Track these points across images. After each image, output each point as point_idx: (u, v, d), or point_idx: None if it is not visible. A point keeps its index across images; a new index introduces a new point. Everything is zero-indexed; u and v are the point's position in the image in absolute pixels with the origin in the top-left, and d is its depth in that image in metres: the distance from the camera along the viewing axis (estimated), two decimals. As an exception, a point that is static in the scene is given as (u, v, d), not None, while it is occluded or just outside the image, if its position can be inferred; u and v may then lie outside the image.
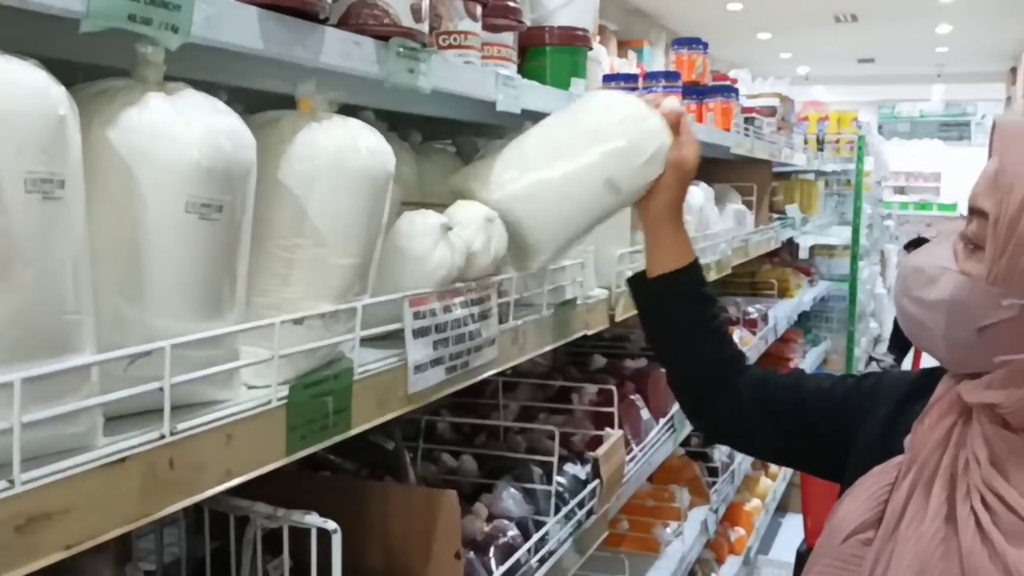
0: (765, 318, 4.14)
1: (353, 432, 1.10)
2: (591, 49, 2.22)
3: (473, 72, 1.44)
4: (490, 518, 1.64)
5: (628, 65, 4.30)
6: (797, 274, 5.67)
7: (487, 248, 1.36)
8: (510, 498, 1.68)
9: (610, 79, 3.01)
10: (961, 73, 15.87)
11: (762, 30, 12.40)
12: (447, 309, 1.29)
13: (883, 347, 9.94)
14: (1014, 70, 13.27)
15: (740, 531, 3.87)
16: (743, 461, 3.65)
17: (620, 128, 1.33)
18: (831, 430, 1.29)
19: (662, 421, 2.44)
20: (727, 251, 2.97)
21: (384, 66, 1.16)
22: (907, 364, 9.60)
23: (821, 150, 6.21)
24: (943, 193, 18.99)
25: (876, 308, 10.97)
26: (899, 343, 9.68)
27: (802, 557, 3.13)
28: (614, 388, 2.10)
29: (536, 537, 1.62)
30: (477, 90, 1.43)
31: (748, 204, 3.64)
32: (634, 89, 2.95)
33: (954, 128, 20.21)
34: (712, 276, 2.97)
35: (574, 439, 2.15)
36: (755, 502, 4.18)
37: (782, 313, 4.55)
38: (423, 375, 1.22)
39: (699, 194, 2.64)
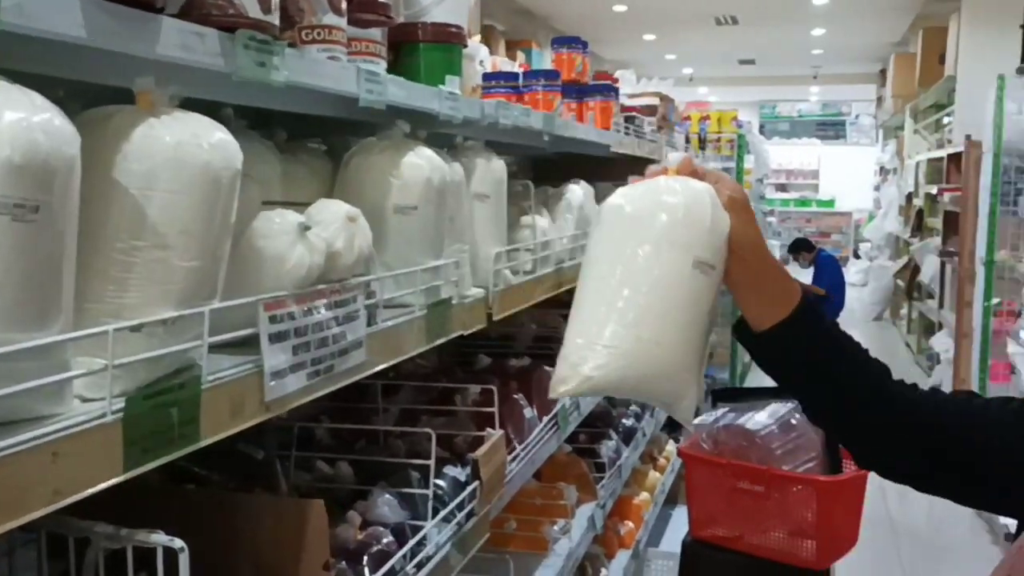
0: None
1: (203, 444, 1.05)
2: (466, 46, 2.20)
3: (333, 67, 1.39)
4: (365, 525, 1.59)
5: (513, 66, 4.30)
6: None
7: (350, 247, 1.32)
8: (385, 504, 1.64)
9: (491, 77, 2.99)
10: (836, 74, 16.61)
11: (647, 32, 12.69)
12: (308, 312, 1.24)
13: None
14: (883, 71, 13.94)
15: (629, 524, 3.92)
16: (630, 455, 3.70)
17: (667, 212, 1.13)
18: (1009, 463, 1.11)
19: (545, 419, 2.44)
20: (609, 248, 3.00)
21: (231, 59, 1.10)
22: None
23: (704, 149, 6.37)
24: (821, 190, 19.84)
25: (761, 301, 11.34)
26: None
27: (687, 548, 3.18)
28: (495, 388, 2.08)
29: (412, 542, 1.59)
30: (337, 85, 1.39)
31: (631, 202, 3.68)
32: (515, 88, 2.95)
33: (831, 127, 21.14)
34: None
35: (456, 441, 2.13)
36: (644, 495, 4.25)
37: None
38: (281, 381, 1.18)
39: (579, 192, 2.65)
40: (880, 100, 14.48)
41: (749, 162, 8.33)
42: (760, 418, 3.05)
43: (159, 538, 0.99)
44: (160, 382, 1.00)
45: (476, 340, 3.41)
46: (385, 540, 1.54)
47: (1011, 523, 1.21)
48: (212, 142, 1.03)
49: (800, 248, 10.48)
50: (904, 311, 11.62)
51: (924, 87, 10.00)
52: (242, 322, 1.17)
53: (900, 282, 11.59)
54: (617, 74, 5.90)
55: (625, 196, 1.17)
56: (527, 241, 2.23)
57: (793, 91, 19.89)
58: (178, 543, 0.98)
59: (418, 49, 2.04)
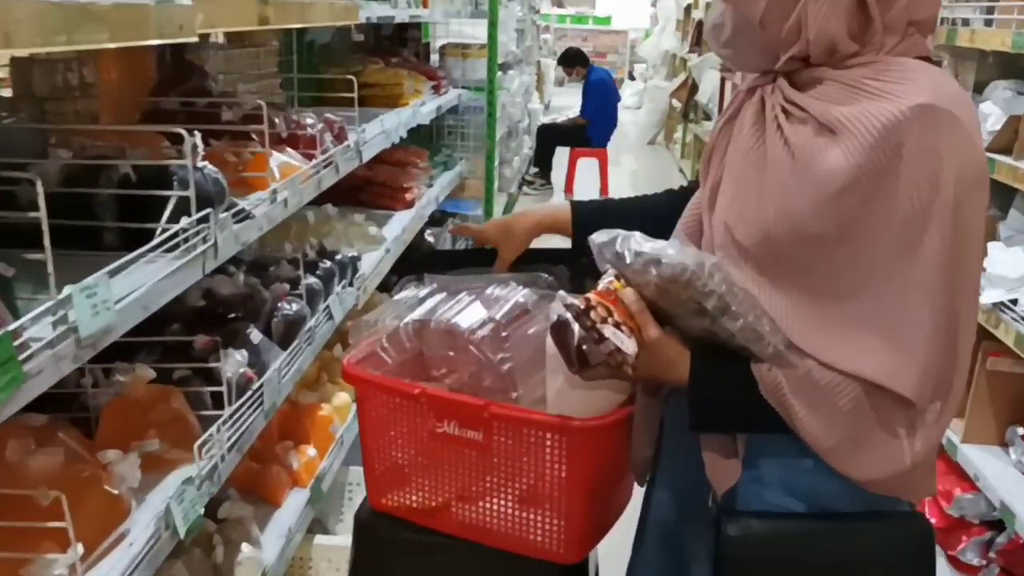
0: (341, 134, 2.77)
1: None
2: None
3: None
4: None
5: None
6: (416, 77, 4.35)
7: None
8: None
9: None
10: None
11: None
12: None
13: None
14: None
15: (310, 451, 2.62)
16: (294, 361, 2.33)
17: None
18: None
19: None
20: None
21: None
22: (558, 181, 8.94)
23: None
24: (598, 6, 18.63)
25: (532, 124, 10.09)
26: (542, 157, 9.01)
27: (361, 527, 1.91)
28: None
29: None
30: None
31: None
32: None
33: (609, -64, 19.73)
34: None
35: None
36: (341, 398, 2.94)
37: (377, 128, 3.21)
38: None
39: None
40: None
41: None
42: (479, 308, 1.75)
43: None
44: None
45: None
46: None
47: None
48: None
49: (575, 62, 9.28)
50: (678, 135, 10.87)
51: None
52: None
53: (676, 103, 10.75)
54: None
55: None
56: None
57: None
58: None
59: None
